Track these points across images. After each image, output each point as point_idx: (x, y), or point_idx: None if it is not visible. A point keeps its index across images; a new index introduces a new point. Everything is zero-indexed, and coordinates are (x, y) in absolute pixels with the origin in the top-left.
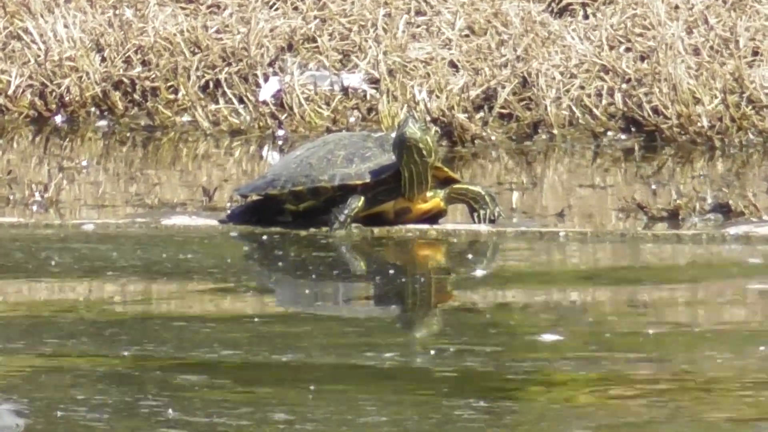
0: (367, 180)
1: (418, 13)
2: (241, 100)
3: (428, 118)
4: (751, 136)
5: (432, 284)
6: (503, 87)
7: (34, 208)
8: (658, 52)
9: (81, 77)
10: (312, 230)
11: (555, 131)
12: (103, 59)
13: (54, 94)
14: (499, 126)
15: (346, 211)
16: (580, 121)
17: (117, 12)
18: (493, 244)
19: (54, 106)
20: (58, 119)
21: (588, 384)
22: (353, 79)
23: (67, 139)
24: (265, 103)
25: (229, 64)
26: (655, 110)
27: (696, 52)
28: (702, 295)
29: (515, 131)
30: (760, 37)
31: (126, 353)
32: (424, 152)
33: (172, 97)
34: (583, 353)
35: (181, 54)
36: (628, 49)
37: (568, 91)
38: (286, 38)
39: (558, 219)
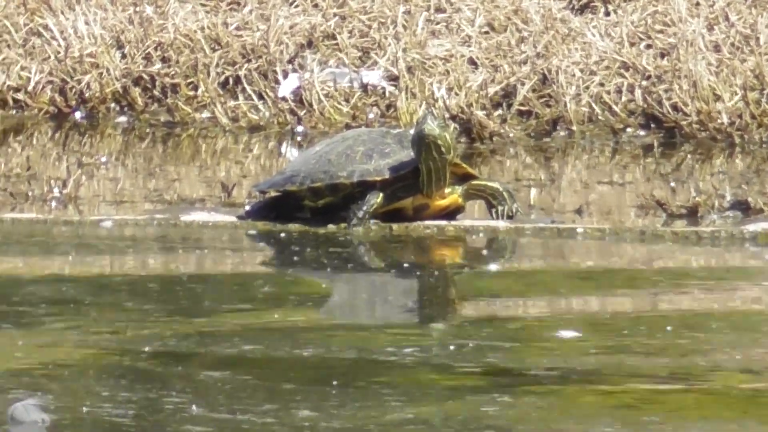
0: (386, 176)
1: (438, 10)
2: (260, 97)
3: (447, 115)
4: None
5: (449, 280)
6: (522, 84)
7: (53, 204)
8: (678, 48)
9: (101, 73)
10: (330, 226)
11: (574, 128)
12: (124, 56)
13: (74, 90)
14: (517, 123)
15: (364, 208)
16: (600, 117)
17: (137, 9)
18: (511, 241)
19: (74, 103)
20: (78, 115)
21: (610, 380)
22: (372, 76)
23: (87, 135)
24: (284, 99)
25: (249, 61)
26: (675, 107)
27: (716, 48)
28: (720, 293)
29: (534, 128)
30: None
31: (147, 348)
32: (443, 149)
33: (191, 93)
34: (602, 349)
35: (201, 50)
36: (648, 46)
37: (587, 87)
38: (306, 35)
39: (576, 216)
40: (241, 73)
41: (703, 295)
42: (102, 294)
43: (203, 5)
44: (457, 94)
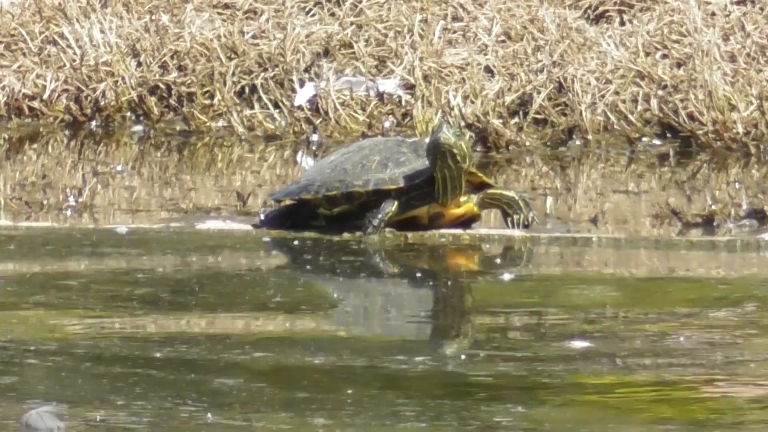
0: (401, 185)
1: (455, 18)
2: (276, 106)
3: (463, 124)
4: None
5: (464, 288)
6: (538, 92)
7: (68, 212)
8: (694, 58)
9: (117, 82)
10: (345, 235)
11: (590, 137)
12: (139, 64)
13: (89, 98)
14: (533, 131)
15: (380, 216)
16: (615, 126)
17: (153, 17)
18: (527, 250)
19: (89, 111)
20: (94, 124)
21: (622, 390)
22: (389, 85)
23: (102, 144)
24: (300, 108)
25: (265, 70)
26: (691, 116)
27: (732, 58)
28: (735, 300)
29: (550, 137)
30: None
31: (159, 355)
32: (459, 157)
33: (207, 102)
34: (614, 359)
35: (217, 59)
36: (664, 56)
37: (603, 96)
38: (322, 44)
39: (591, 225)
40: (257, 82)
41: (719, 304)
42: (114, 301)
43: (220, 14)
44: (473, 103)
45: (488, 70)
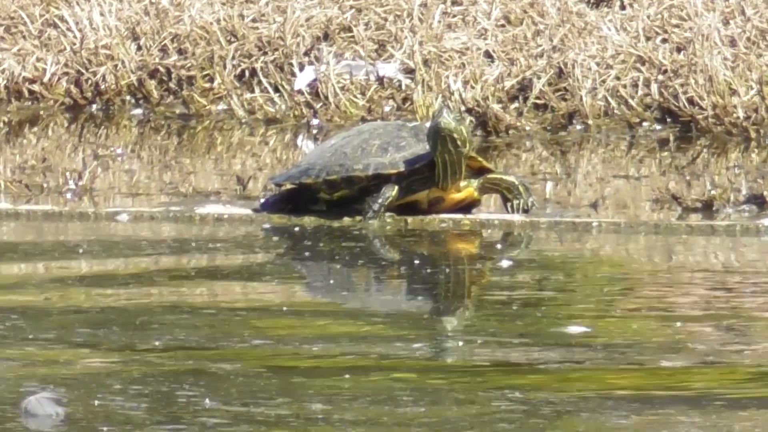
0: (402, 169)
1: (455, 3)
2: (276, 89)
3: (463, 108)
4: None
5: (462, 274)
6: (539, 77)
7: (68, 196)
8: (694, 43)
9: (116, 65)
10: (346, 219)
11: (590, 122)
12: (139, 47)
13: (89, 82)
14: (533, 116)
15: (380, 200)
16: (616, 111)
17: (153, 0)
18: (526, 235)
19: (89, 94)
20: (94, 107)
21: (620, 375)
22: (388, 69)
23: (102, 127)
24: (300, 92)
25: (265, 53)
26: (691, 101)
27: (732, 43)
28: (731, 286)
29: (550, 121)
30: None
31: (158, 342)
32: (459, 142)
33: (207, 85)
34: (612, 345)
35: (217, 43)
36: (664, 40)
37: (603, 81)
38: (322, 28)
39: (592, 209)
40: (257, 65)
41: (714, 289)
42: (111, 287)
43: None
44: (473, 87)
45: (488, 54)
